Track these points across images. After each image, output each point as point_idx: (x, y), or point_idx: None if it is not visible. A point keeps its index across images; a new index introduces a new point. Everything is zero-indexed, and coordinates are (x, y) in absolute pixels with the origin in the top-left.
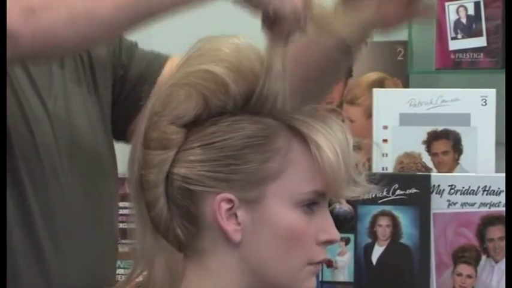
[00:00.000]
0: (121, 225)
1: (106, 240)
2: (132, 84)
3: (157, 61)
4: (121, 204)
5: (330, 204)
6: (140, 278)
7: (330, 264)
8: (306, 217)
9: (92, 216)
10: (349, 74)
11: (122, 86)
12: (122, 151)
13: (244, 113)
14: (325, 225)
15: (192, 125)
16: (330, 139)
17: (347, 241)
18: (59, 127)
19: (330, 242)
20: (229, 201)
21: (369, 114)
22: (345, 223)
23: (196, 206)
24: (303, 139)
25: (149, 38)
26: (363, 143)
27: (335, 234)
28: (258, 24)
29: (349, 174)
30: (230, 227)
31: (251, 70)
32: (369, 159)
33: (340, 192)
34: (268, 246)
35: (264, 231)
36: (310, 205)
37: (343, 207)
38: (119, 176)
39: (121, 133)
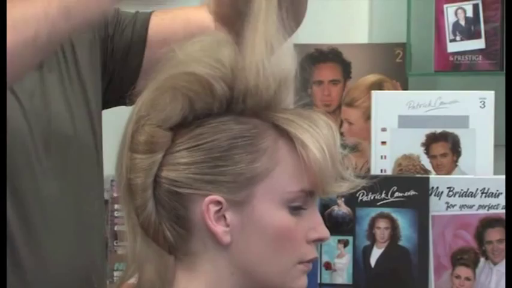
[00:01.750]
0: (119, 228)
1: (89, 230)
2: (125, 53)
3: (141, 23)
4: (118, 206)
5: (328, 207)
6: (134, 280)
7: (328, 266)
8: (294, 216)
9: (71, 205)
10: (348, 76)
11: (114, 58)
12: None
13: (230, 114)
14: (314, 224)
15: (178, 128)
16: (316, 137)
17: (345, 243)
18: (35, 119)
19: (320, 240)
20: (218, 203)
21: (367, 117)
22: (343, 225)
23: (184, 209)
24: (290, 138)
25: None
26: (361, 146)
27: (325, 232)
28: None
29: (336, 170)
30: (219, 228)
31: (232, 68)
32: (368, 161)
33: (327, 188)
34: (258, 247)
35: (253, 231)
36: (297, 208)
37: (342, 209)
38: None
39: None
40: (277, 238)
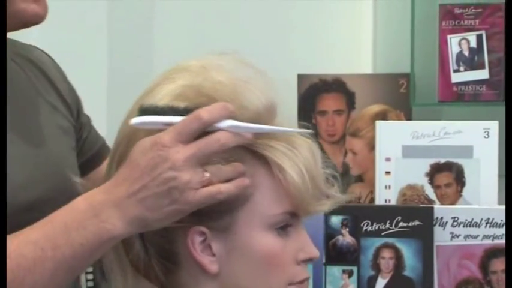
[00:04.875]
0: None
1: None
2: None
3: (102, 152)
4: None
5: (332, 237)
6: None
7: None
8: (280, 239)
9: None
10: (352, 106)
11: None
12: None
13: None
14: (303, 244)
15: None
16: (294, 159)
17: (350, 273)
18: None
19: (309, 260)
20: (202, 233)
21: (371, 147)
22: (347, 255)
23: (170, 243)
24: (267, 162)
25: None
26: (365, 176)
27: (314, 251)
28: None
29: (319, 190)
30: (205, 259)
31: (211, 100)
32: (372, 192)
33: (309, 209)
34: (246, 272)
35: (240, 258)
36: (283, 227)
37: (346, 239)
38: None
39: None
40: (264, 262)
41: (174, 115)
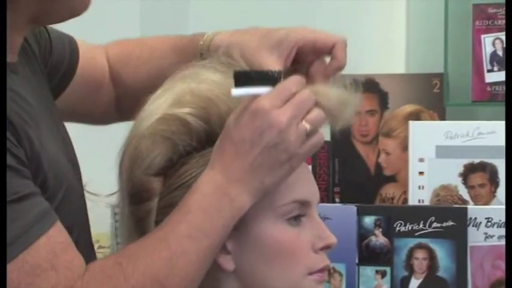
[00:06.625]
0: None
1: None
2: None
3: (72, 50)
4: None
5: (365, 237)
6: None
7: None
8: (294, 228)
9: None
10: (385, 106)
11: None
12: None
13: (212, 145)
14: (319, 232)
15: (166, 170)
16: None
17: (383, 274)
18: None
19: (327, 248)
20: None
21: (405, 147)
22: (381, 256)
23: None
24: None
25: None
26: (399, 176)
27: (331, 238)
28: None
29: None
30: (220, 258)
31: (203, 102)
32: (405, 192)
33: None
34: (263, 266)
35: (255, 252)
36: (296, 218)
37: (379, 240)
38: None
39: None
40: (279, 253)
41: (262, 81)
